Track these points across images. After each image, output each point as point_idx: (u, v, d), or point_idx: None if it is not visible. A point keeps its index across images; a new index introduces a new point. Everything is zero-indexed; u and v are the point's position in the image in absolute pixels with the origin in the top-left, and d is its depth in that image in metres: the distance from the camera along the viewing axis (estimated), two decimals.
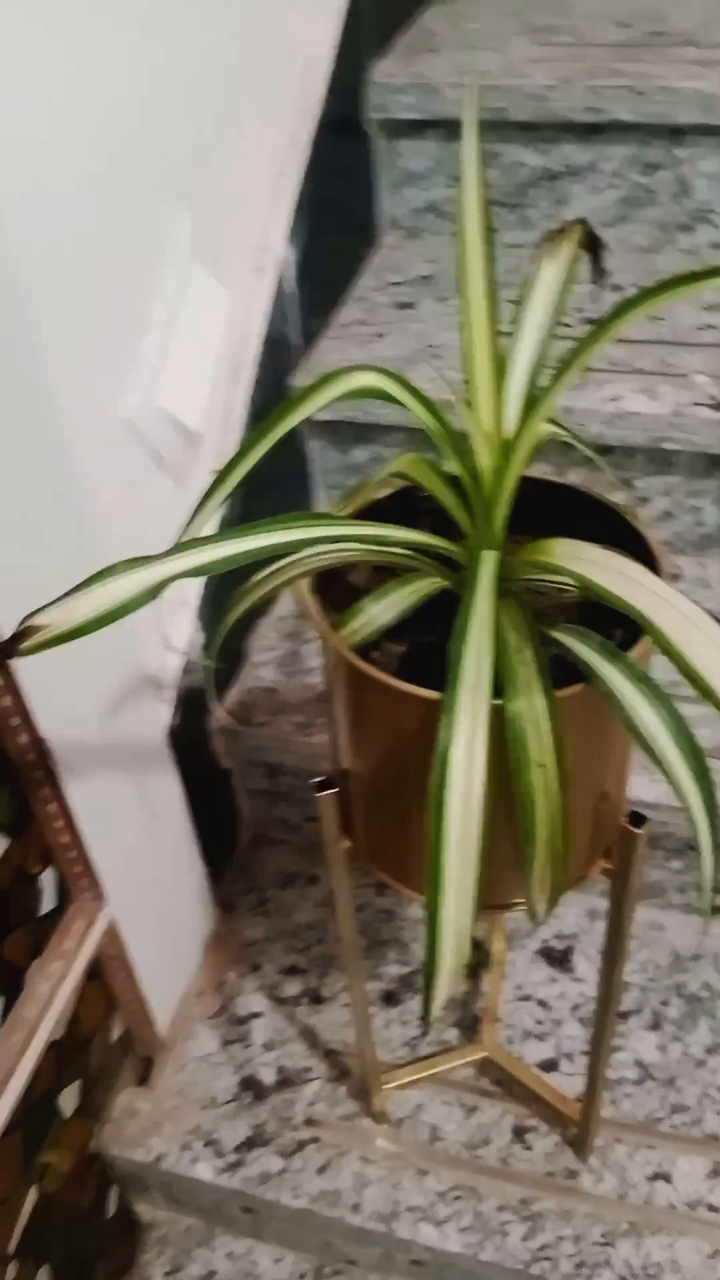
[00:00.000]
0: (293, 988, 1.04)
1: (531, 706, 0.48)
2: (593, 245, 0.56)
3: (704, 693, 0.42)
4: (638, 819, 0.59)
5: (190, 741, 0.98)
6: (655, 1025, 0.98)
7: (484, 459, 0.51)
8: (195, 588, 0.95)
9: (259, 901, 1.11)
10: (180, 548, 0.47)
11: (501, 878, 0.60)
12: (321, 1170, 0.91)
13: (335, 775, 0.64)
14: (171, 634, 0.93)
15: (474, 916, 0.49)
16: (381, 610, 0.53)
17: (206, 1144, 0.94)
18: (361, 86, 1.16)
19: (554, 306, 0.55)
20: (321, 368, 1.10)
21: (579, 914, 1.06)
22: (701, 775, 0.48)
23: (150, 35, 0.77)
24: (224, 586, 0.99)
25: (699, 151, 1.14)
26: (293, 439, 1.13)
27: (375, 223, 1.27)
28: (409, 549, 0.56)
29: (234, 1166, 0.92)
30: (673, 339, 1.09)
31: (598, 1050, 0.77)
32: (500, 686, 0.49)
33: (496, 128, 1.17)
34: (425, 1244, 0.87)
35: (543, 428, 0.53)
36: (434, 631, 0.59)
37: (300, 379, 1.09)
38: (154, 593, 0.45)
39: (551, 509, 0.60)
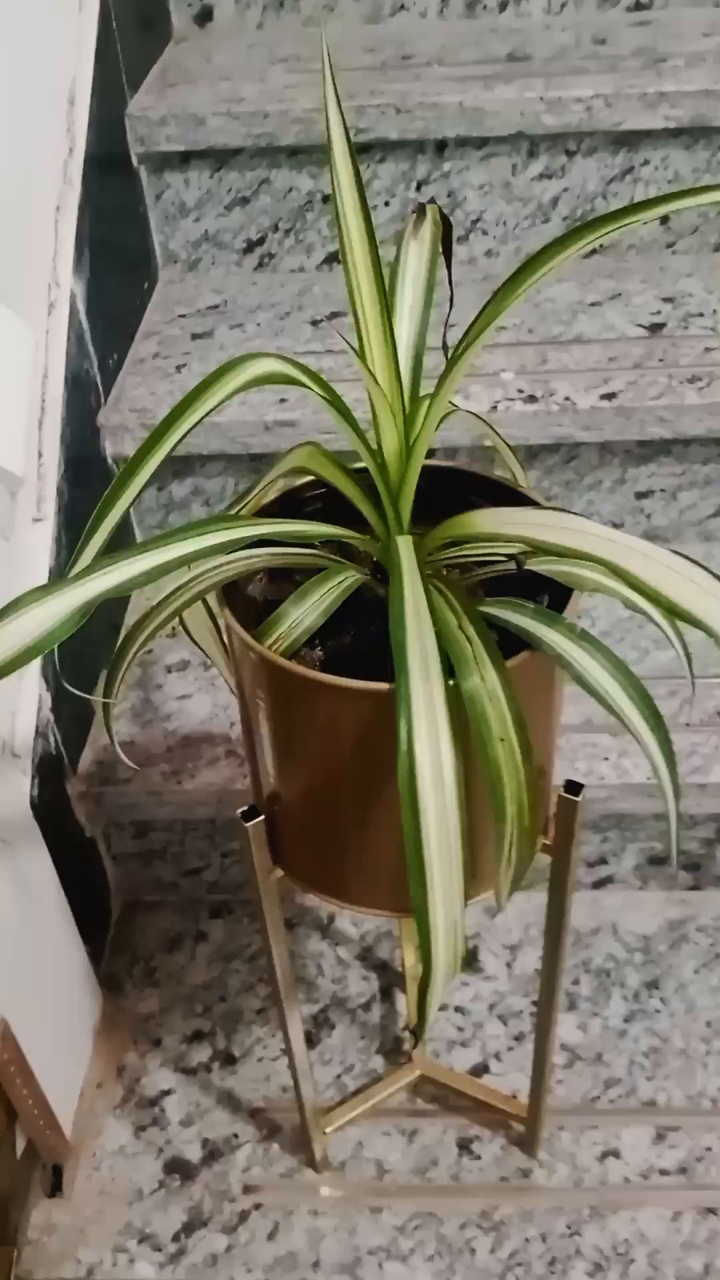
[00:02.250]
0: (200, 1054, 0.97)
1: (485, 681, 0.47)
2: (443, 226, 0.57)
3: (696, 624, 0.42)
4: (573, 787, 0.59)
5: (53, 812, 0.91)
6: (571, 1006, 0.98)
7: (390, 438, 0.50)
8: None
9: (146, 972, 1.04)
10: (94, 567, 0.43)
11: None
12: (271, 1236, 0.86)
13: (259, 803, 0.60)
14: (17, 698, 0.86)
15: (463, 908, 0.47)
16: (304, 612, 0.50)
17: (141, 1240, 0.86)
18: (122, 123, 1.14)
19: (425, 285, 0.55)
20: (129, 403, 1.06)
21: (475, 911, 1.06)
22: (656, 721, 0.48)
23: None
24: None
25: (464, 163, 1.18)
26: (107, 481, 1.08)
27: (153, 258, 1.25)
28: (311, 550, 0.54)
29: (176, 1257, 0.85)
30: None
31: (543, 1040, 0.76)
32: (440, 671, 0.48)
33: (266, 154, 1.18)
34: None
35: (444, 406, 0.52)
36: (342, 635, 0.57)
37: (110, 417, 1.04)
38: (82, 615, 0.41)
39: (433, 497, 0.59)
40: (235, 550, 0.49)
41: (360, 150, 1.17)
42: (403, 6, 1.32)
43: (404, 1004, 0.99)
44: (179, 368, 1.11)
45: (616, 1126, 0.90)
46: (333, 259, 1.24)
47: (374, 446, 0.51)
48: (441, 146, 1.17)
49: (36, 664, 0.88)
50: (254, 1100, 0.94)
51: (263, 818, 0.59)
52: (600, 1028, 0.97)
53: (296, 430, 1.02)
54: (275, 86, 1.18)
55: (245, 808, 0.59)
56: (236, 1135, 0.91)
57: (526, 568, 0.50)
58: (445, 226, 0.56)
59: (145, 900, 1.09)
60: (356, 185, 0.52)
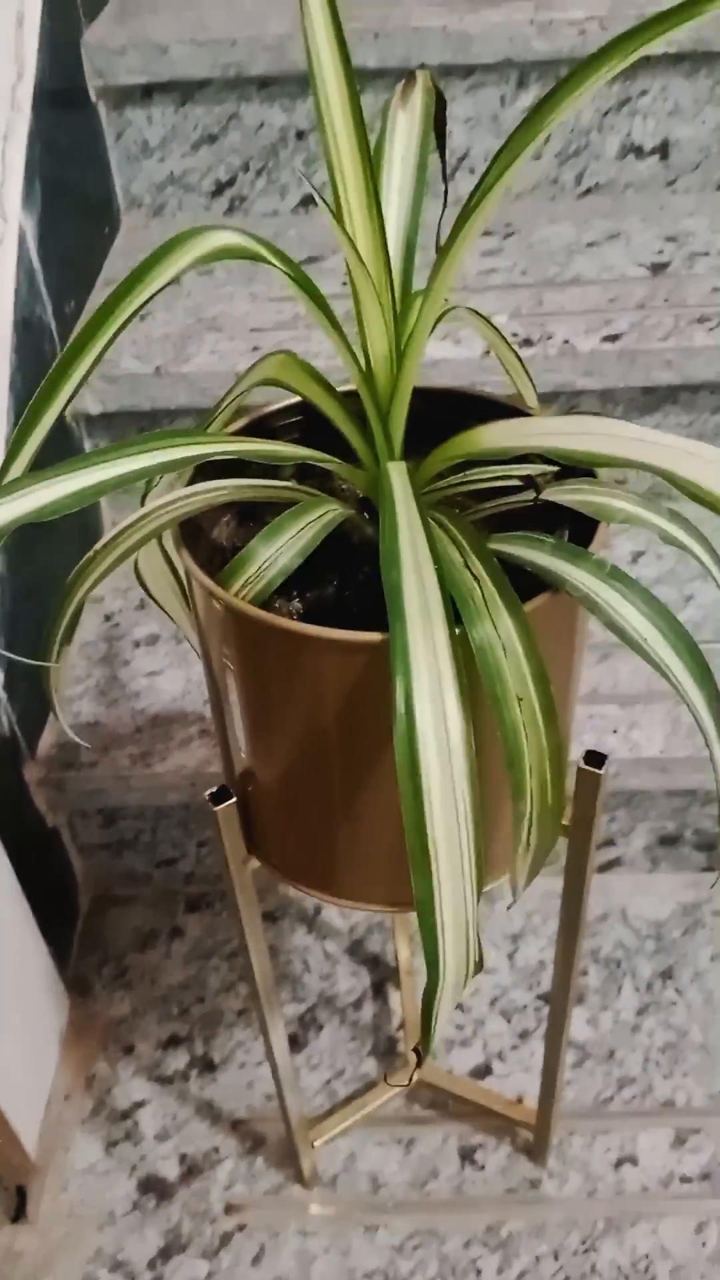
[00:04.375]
0: (177, 1061, 0.89)
1: (499, 629, 0.39)
2: (437, 101, 0.48)
3: None
4: (595, 758, 0.51)
5: (8, 801, 0.82)
6: (579, 999, 0.91)
7: (377, 337, 0.42)
8: None
9: (117, 972, 0.96)
10: (16, 484, 0.35)
11: None
12: (256, 1260, 0.78)
13: (231, 783, 0.52)
14: None
15: (476, 902, 0.39)
16: (277, 552, 0.42)
17: (114, 1268, 0.78)
18: (78, 53, 1.05)
19: (416, 163, 0.47)
20: None
21: None
22: (703, 674, 0.41)
23: None
24: (20, 608, 0.84)
25: (450, 94, 1.09)
26: (67, 439, 1.00)
27: (114, 202, 1.16)
28: (287, 485, 0.46)
29: None
30: (459, 286, 1.04)
31: (555, 1041, 0.69)
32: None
33: (234, 86, 1.09)
34: None
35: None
36: (325, 586, 0.49)
37: None
38: None
39: (429, 429, 0.51)
40: (191, 477, 0.40)
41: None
42: None
43: (397, 1001, 0.91)
44: (143, 317, 1.02)
45: (632, 1130, 0.83)
46: (308, 201, 1.15)
47: (358, 353, 0.43)
48: None
49: None
50: (236, 1111, 0.86)
51: (234, 800, 0.51)
52: (611, 1022, 0.89)
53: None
54: (245, 11, 1.09)
55: (214, 789, 0.51)
56: (217, 1150, 0.84)
57: (543, 497, 0.42)
58: (438, 99, 0.47)
59: (116, 894, 1.01)
60: (330, 8, 0.43)
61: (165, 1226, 0.80)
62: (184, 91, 1.09)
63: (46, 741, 0.89)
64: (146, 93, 1.10)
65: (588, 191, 1.16)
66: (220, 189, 1.16)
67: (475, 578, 0.40)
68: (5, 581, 0.82)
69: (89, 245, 1.08)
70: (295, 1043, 0.89)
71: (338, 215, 0.42)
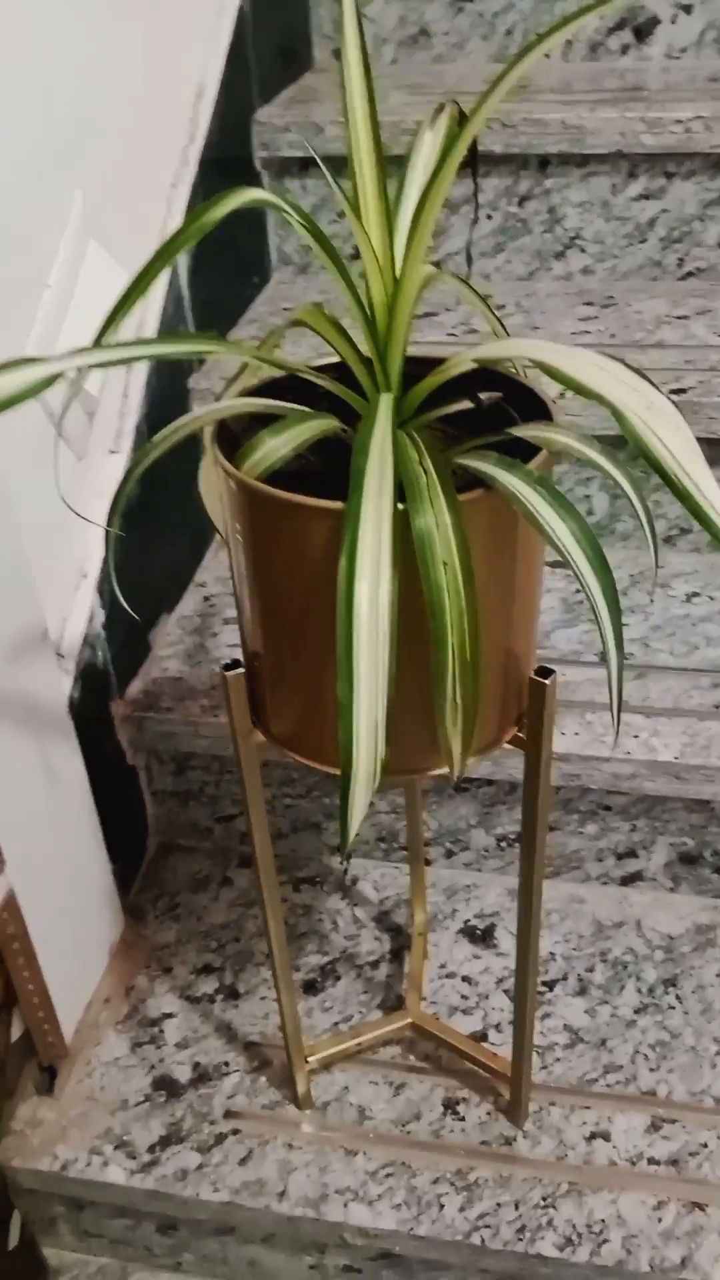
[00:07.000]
0: (207, 986, 0.99)
1: (434, 507, 0.49)
2: (459, 120, 0.61)
3: (600, 400, 0.44)
4: (544, 671, 0.60)
5: (93, 724, 0.96)
6: (582, 991, 0.96)
7: (376, 286, 0.54)
8: (95, 561, 0.95)
9: (169, 907, 1.06)
10: (83, 350, 0.48)
11: (411, 745, 0.60)
12: (244, 1161, 0.85)
13: (245, 663, 0.63)
14: (71, 604, 0.92)
15: (385, 707, 0.48)
16: (280, 443, 0.54)
17: (117, 1146, 0.87)
18: (248, 128, 1.24)
19: (434, 168, 0.59)
20: (220, 371, 1.14)
21: (499, 893, 1.05)
22: (601, 564, 0.50)
23: (58, 30, 0.82)
24: (125, 560, 0.98)
25: (566, 180, 1.23)
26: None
27: (267, 259, 1.34)
28: (305, 409, 0.58)
29: (148, 1166, 0.86)
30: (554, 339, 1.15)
31: (523, 981, 0.75)
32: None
33: None
34: (357, 1224, 0.81)
35: (427, 268, 0.56)
36: (321, 489, 0.60)
37: (199, 382, 1.12)
38: (48, 382, 0.46)
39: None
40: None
41: (463, 164, 1.23)
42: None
43: (410, 966, 0.98)
44: (275, 347, 1.17)
45: (610, 1110, 0.87)
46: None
47: (364, 300, 0.55)
48: (544, 164, 1.23)
49: (94, 578, 0.94)
50: (250, 1034, 0.94)
51: (243, 669, 0.62)
52: (609, 1015, 0.94)
53: None
54: (393, 104, 1.26)
55: (228, 661, 0.62)
56: (227, 1064, 0.92)
57: (505, 432, 0.53)
58: (462, 118, 0.60)
59: (179, 844, 1.12)
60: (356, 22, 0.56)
61: (169, 1120, 0.89)
62: (335, 166, 1.27)
63: (135, 688, 1.03)
64: (304, 165, 1.28)
65: (689, 275, 1.27)
66: (358, 254, 1.32)
67: (425, 471, 0.51)
68: (127, 550, 0.96)
69: (238, 289, 1.26)
70: (313, 988, 0.98)
71: (355, 205, 0.55)
